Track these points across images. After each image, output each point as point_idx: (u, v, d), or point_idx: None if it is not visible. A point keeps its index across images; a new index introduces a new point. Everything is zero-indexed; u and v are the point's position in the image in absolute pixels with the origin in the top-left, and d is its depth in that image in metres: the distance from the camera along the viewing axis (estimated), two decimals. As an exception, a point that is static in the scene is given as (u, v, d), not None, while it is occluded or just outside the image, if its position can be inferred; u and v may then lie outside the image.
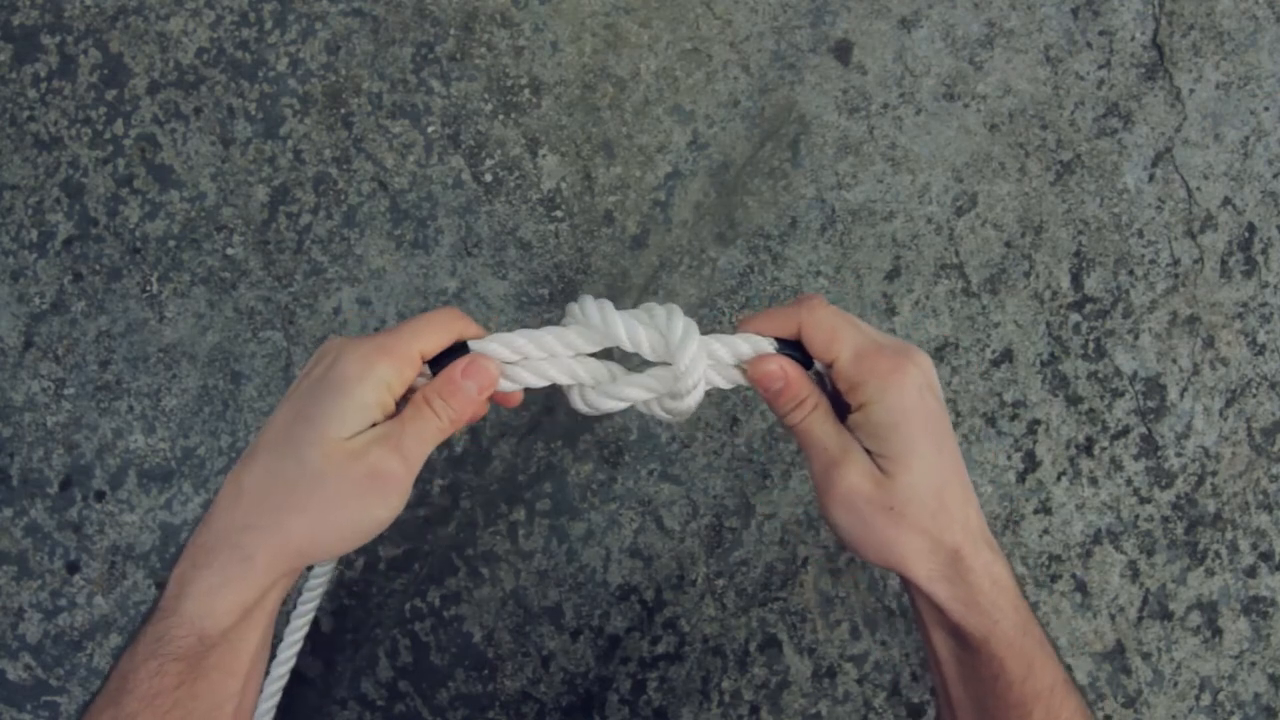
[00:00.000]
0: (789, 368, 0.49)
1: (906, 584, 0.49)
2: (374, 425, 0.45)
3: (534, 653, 0.74)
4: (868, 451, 0.47)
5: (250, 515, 0.44)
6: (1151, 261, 0.76)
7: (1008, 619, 0.47)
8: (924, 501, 0.46)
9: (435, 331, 0.47)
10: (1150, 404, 0.76)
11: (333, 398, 0.44)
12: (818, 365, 0.50)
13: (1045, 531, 0.75)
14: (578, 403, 0.51)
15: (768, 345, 0.49)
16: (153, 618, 0.44)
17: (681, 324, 0.49)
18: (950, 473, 0.47)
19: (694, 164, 0.76)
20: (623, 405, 0.50)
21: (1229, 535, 0.75)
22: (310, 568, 0.52)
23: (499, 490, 0.74)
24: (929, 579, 0.47)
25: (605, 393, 0.50)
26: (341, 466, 0.43)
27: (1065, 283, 0.76)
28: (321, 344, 0.47)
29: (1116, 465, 0.75)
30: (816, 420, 0.49)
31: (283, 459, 0.44)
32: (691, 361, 0.48)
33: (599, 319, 0.49)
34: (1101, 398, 0.75)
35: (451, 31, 0.76)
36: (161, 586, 0.45)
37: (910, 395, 0.47)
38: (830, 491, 0.47)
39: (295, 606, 0.54)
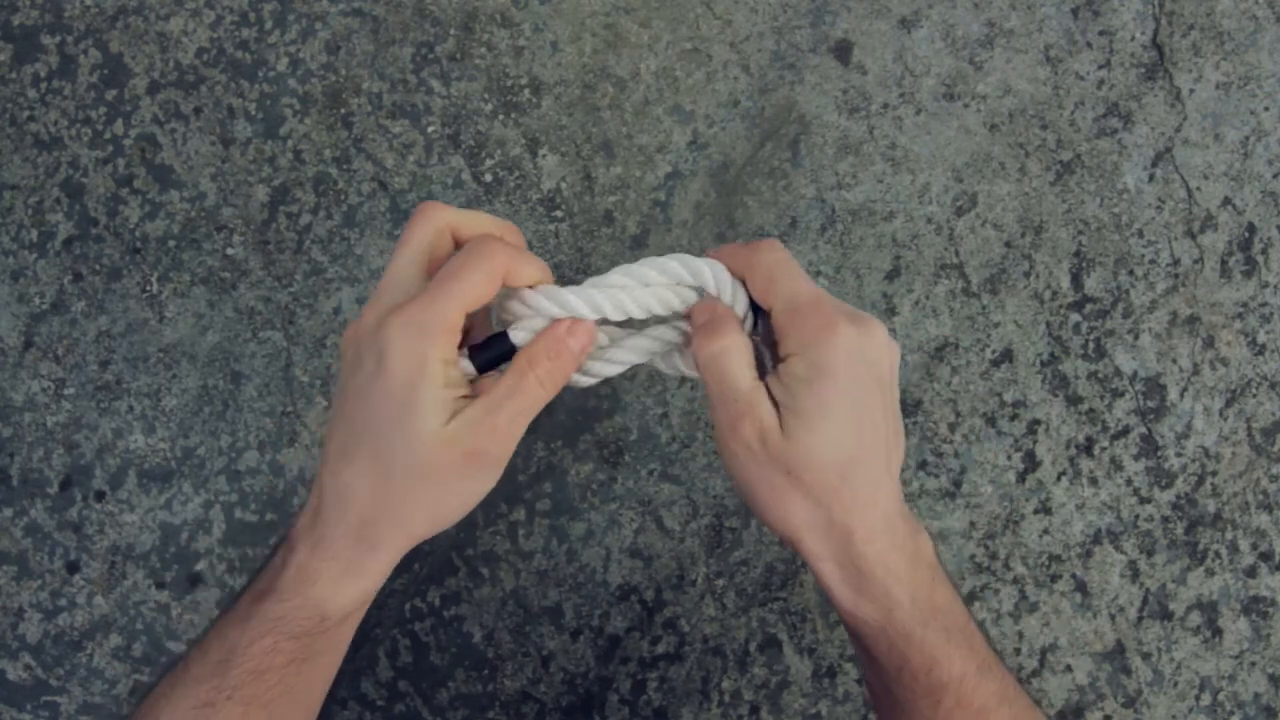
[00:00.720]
0: (719, 306, 0.46)
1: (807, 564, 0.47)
2: (464, 397, 0.44)
3: (534, 653, 0.74)
4: (778, 407, 0.44)
5: (368, 510, 0.44)
6: (1151, 261, 0.76)
7: (902, 610, 0.45)
8: (824, 472, 0.43)
9: (480, 285, 0.44)
10: (1150, 404, 0.76)
11: (406, 397, 0.43)
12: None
13: (1045, 531, 0.75)
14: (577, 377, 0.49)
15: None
16: (267, 598, 0.44)
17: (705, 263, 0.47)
18: (866, 450, 0.44)
19: (694, 164, 0.76)
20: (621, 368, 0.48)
21: (1229, 535, 0.75)
22: None
23: (499, 490, 0.74)
24: (817, 557, 0.45)
25: (607, 359, 0.48)
26: (442, 455, 0.43)
27: (1065, 283, 0.76)
28: (356, 330, 0.45)
29: (1116, 465, 0.75)
30: (731, 360, 0.45)
31: (379, 458, 0.43)
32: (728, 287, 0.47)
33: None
34: (1101, 398, 0.75)
35: (451, 31, 0.76)
36: (265, 570, 0.46)
37: (836, 356, 0.43)
38: (729, 442, 0.45)
39: None
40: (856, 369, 0.44)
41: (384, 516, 0.44)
